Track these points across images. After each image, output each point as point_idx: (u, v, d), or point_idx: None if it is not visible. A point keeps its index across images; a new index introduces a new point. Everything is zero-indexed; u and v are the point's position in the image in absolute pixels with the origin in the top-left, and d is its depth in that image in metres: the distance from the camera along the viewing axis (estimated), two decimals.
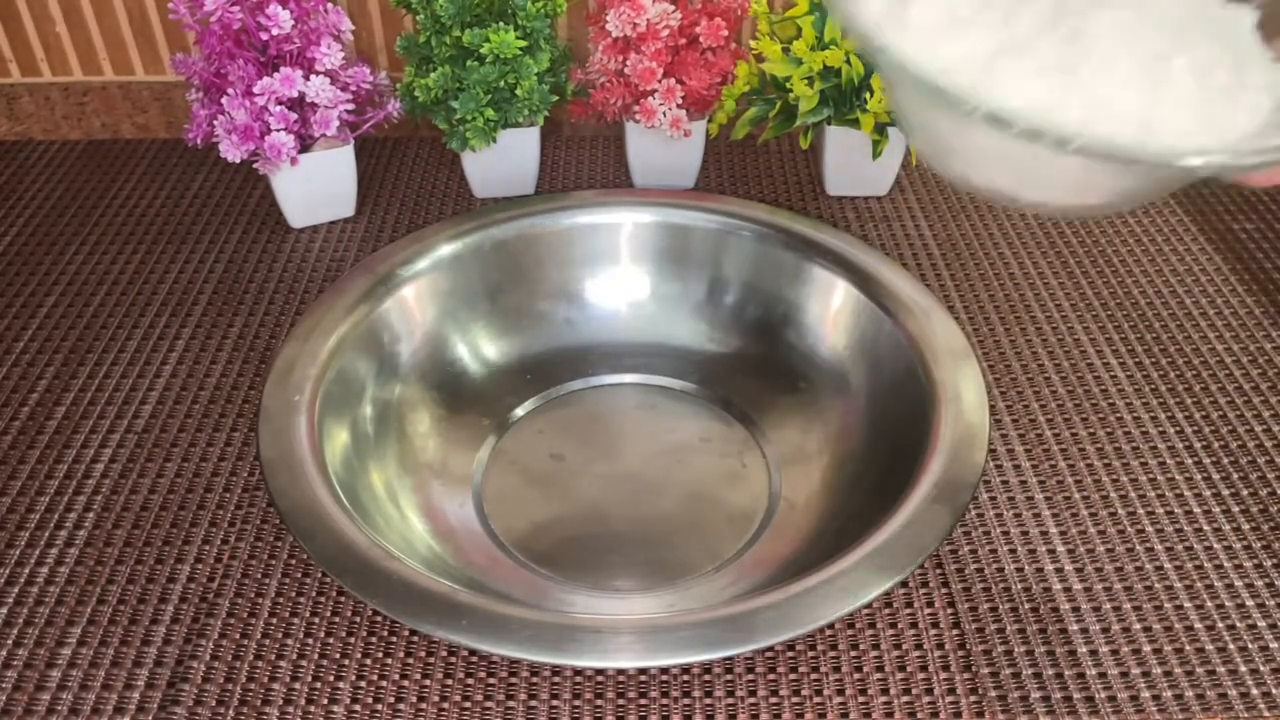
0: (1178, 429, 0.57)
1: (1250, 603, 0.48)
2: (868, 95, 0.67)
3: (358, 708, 0.44)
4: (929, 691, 0.44)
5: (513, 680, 0.45)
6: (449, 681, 0.45)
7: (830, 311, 0.61)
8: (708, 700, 0.44)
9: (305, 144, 0.69)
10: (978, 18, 0.36)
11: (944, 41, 0.36)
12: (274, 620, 0.47)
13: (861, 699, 0.44)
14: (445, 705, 0.44)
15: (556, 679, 0.45)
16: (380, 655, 0.46)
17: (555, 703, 0.44)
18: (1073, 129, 0.33)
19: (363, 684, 0.45)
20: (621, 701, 0.44)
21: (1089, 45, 0.35)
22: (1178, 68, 0.34)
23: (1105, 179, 0.36)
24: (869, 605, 0.45)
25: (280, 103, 0.65)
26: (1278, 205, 0.75)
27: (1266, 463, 0.55)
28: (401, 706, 0.44)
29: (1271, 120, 0.35)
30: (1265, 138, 0.34)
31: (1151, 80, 0.34)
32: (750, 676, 0.45)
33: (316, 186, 0.71)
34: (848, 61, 0.66)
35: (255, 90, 0.65)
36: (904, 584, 0.49)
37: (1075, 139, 0.32)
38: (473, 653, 0.46)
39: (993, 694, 0.44)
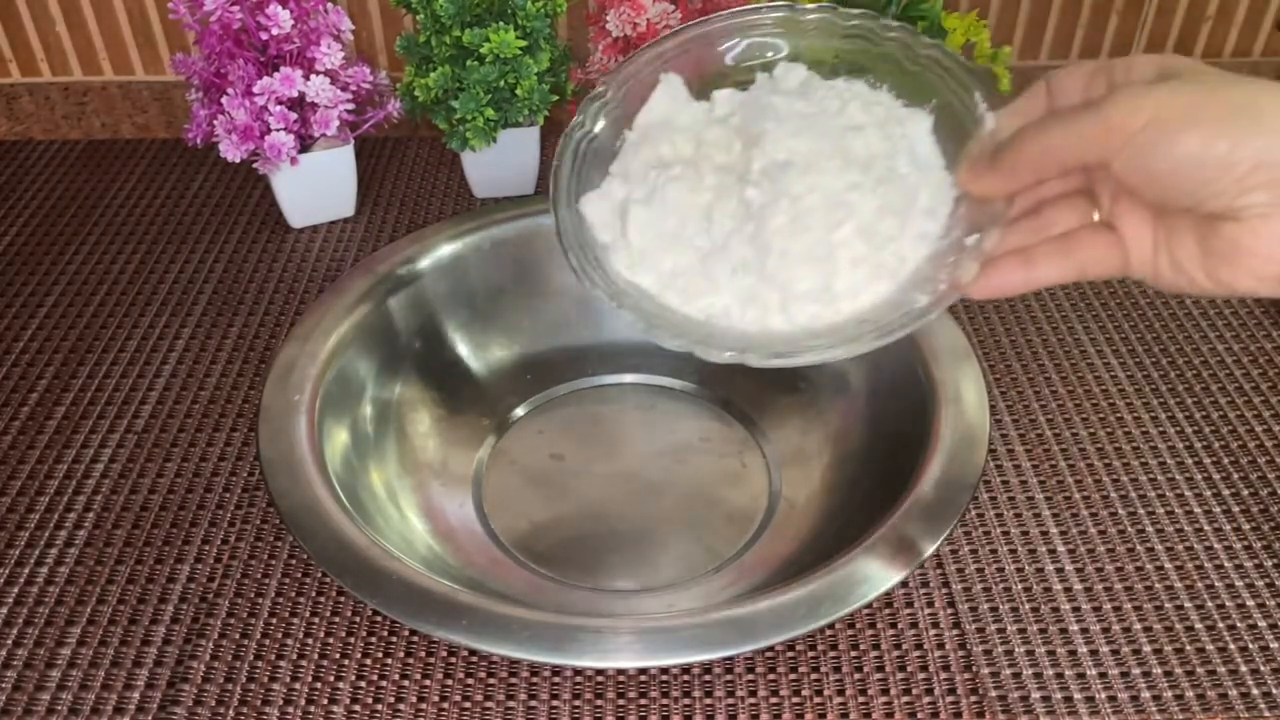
0: (1178, 429, 0.57)
1: (1250, 603, 0.48)
2: None
3: (358, 708, 0.44)
4: (929, 691, 0.44)
5: (513, 680, 0.45)
6: (449, 681, 0.45)
7: None
8: (708, 700, 0.44)
9: (305, 144, 0.69)
10: (683, 230, 0.42)
11: (661, 256, 0.42)
12: (274, 620, 0.47)
13: (861, 699, 0.44)
14: (445, 705, 0.44)
15: (556, 679, 0.45)
16: (380, 655, 0.46)
17: (555, 703, 0.44)
18: (703, 342, 0.40)
19: (363, 684, 0.45)
20: (621, 701, 0.44)
21: (769, 240, 0.41)
22: (845, 235, 0.40)
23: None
24: (869, 605, 0.45)
25: (280, 103, 0.65)
26: None
27: (1267, 463, 0.55)
28: (401, 706, 0.44)
29: (939, 247, 0.40)
30: (920, 286, 0.40)
31: (825, 254, 0.40)
32: (750, 676, 0.45)
33: (316, 186, 0.71)
34: None
35: (255, 90, 0.65)
36: (904, 584, 0.49)
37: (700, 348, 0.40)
38: (473, 653, 0.46)
39: (993, 694, 0.44)
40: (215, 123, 0.66)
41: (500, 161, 0.72)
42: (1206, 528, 0.52)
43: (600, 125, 0.45)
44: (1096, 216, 0.37)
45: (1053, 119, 0.34)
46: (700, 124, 0.44)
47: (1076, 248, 0.37)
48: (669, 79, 0.45)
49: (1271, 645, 0.46)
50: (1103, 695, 0.44)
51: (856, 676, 0.45)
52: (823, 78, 0.44)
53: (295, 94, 0.65)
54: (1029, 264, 0.37)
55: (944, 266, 0.40)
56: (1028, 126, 0.35)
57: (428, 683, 0.45)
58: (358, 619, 0.47)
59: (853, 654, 0.46)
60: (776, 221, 0.41)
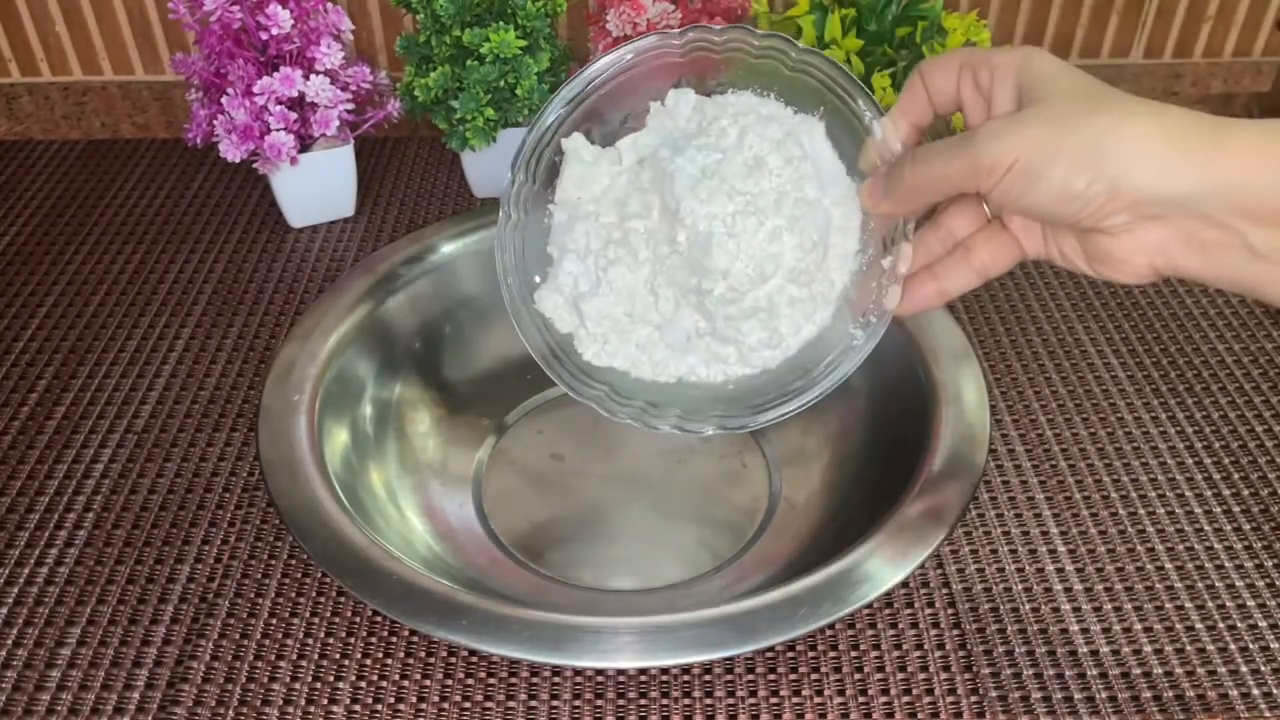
0: (1178, 429, 0.57)
1: (1250, 603, 0.48)
2: None
3: (358, 708, 0.44)
4: (929, 691, 0.44)
5: (513, 680, 0.45)
6: (449, 681, 0.45)
7: None
8: (708, 700, 0.44)
9: (305, 144, 0.69)
10: (635, 308, 0.46)
11: (623, 339, 0.46)
12: (274, 620, 0.47)
13: (861, 699, 0.44)
14: (445, 705, 0.44)
15: (556, 679, 0.45)
16: (380, 655, 0.46)
17: (555, 703, 0.44)
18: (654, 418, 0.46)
19: (363, 684, 0.45)
20: (621, 702, 0.44)
21: (713, 309, 0.44)
22: (776, 285, 0.43)
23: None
24: (869, 605, 0.45)
25: (280, 102, 0.65)
26: None
27: (1267, 462, 0.55)
28: (401, 706, 0.44)
29: (860, 264, 0.44)
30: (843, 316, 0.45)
31: (765, 305, 0.44)
32: (750, 676, 0.45)
33: (316, 186, 0.71)
34: (848, 61, 0.66)
35: (255, 90, 0.65)
36: (904, 584, 0.48)
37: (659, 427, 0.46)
38: (473, 653, 0.46)
39: (993, 694, 0.44)
40: (215, 123, 0.66)
41: (500, 161, 0.72)
42: (1206, 528, 0.52)
43: (525, 210, 0.47)
44: (989, 213, 0.41)
45: (931, 155, 0.37)
46: (616, 187, 0.46)
47: (974, 254, 0.41)
48: (571, 144, 0.47)
49: (1271, 645, 0.46)
50: (1103, 695, 0.44)
51: (856, 676, 0.45)
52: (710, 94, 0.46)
53: (295, 94, 0.65)
54: (936, 278, 0.42)
55: (869, 292, 0.44)
56: (908, 160, 0.39)
57: (428, 683, 0.45)
58: (358, 619, 0.47)
59: (853, 654, 0.46)
60: (715, 292, 0.44)
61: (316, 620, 0.47)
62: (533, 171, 0.47)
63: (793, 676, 0.45)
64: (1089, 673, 0.45)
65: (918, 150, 0.39)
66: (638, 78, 0.46)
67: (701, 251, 0.43)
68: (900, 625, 0.47)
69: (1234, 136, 0.32)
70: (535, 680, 0.45)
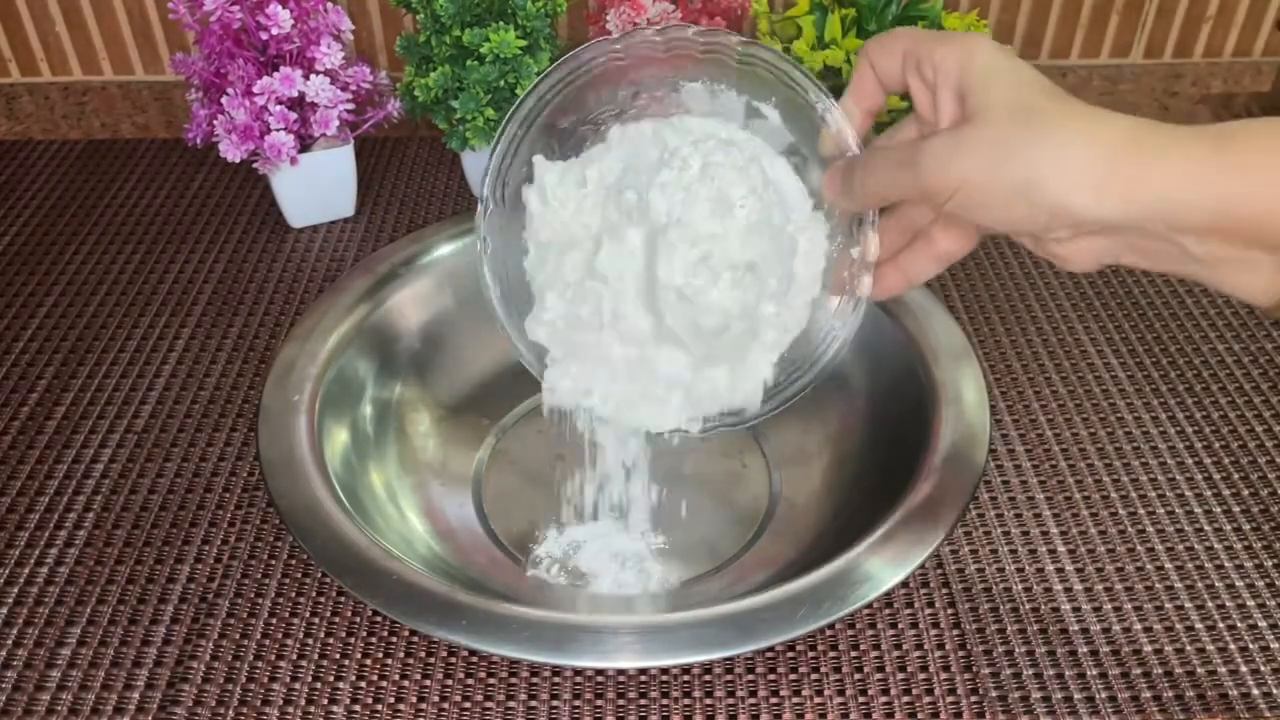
0: (1178, 429, 0.57)
1: (1250, 603, 0.48)
2: None
3: (358, 708, 0.44)
4: (929, 691, 0.44)
5: (513, 680, 0.45)
6: (449, 681, 0.45)
7: None
8: (708, 700, 0.44)
9: (305, 144, 0.69)
10: (619, 351, 0.46)
11: (611, 378, 0.47)
12: (274, 620, 0.47)
13: (861, 699, 0.44)
14: (445, 705, 0.44)
15: (556, 679, 0.45)
16: (380, 655, 0.46)
17: (555, 703, 0.44)
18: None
19: (363, 684, 0.45)
20: (621, 702, 0.44)
21: (693, 349, 0.45)
22: (746, 302, 0.44)
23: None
24: (869, 605, 0.45)
25: (280, 102, 0.65)
26: None
27: (1267, 462, 0.55)
28: (401, 707, 0.44)
29: (825, 279, 0.46)
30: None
31: (750, 335, 0.45)
32: (750, 676, 0.45)
33: (316, 186, 0.71)
34: (848, 61, 0.66)
35: (255, 90, 0.65)
36: (904, 584, 0.48)
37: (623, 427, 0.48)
38: (473, 653, 0.46)
39: (993, 694, 0.44)
40: (215, 123, 0.66)
41: None
42: (1206, 528, 0.52)
43: (502, 234, 0.48)
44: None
45: (885, 166, 0.39)
46: (584, 212, 0.46)
47: (935, 243, 0.42)
48: (531, 182, 0.47)
49: (1271, 645, 0.46)
50: (1103, 695, 0.44)
51: (856, 676, 0.45)
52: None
53: (295, 94, 0.65)
54: (900, 268, 0.44)
55: (842, 281, 0.45)
56: (860, 167, 0.40)
57: (428, 683, 0.45)
58: (358, 619, 0.47)
59: (853, 654, 0.46)
60: (696, 335, 0.45)
61: (316, 620, 0.47)
62: (499, 196, 0.47)
63: (793, 676, 0.45)
64: (1089, 673, 0.45)
65: (871, 157, 0.40)
66: (589, 84, 0.46)
67: (679, 301, 0.44)
68: (900, 625, 0.47)
69: (1166, 154, 0.33)
70: (535, 680, 0.45)
